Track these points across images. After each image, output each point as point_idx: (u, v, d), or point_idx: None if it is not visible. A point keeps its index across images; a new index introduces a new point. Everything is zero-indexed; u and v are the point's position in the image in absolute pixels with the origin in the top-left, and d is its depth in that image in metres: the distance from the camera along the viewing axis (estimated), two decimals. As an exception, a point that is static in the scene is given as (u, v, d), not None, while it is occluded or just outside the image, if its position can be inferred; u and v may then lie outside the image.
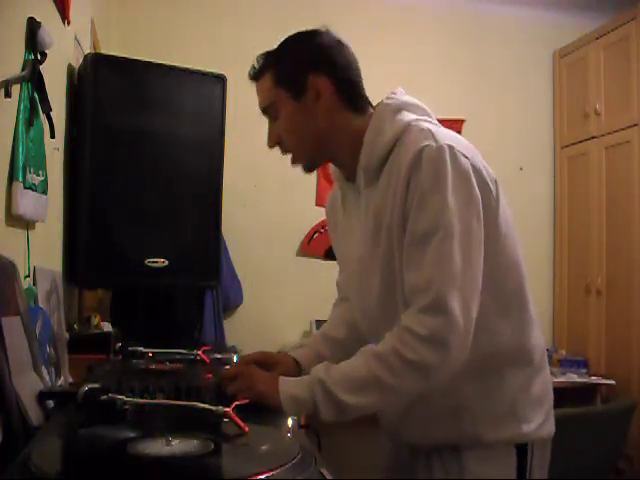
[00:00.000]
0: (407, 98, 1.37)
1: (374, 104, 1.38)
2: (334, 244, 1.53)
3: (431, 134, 1.24)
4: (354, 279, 1.42)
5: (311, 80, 1.31)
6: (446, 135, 1.27)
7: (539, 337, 1.36)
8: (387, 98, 1.36)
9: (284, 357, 1.48)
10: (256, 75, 1.38)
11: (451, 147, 1.22)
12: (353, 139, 1.33)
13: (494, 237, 1.27)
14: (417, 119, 1.31)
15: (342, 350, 1.37)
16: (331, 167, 1.47)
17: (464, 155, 1.23)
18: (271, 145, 1.39)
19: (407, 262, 1.23)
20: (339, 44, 1.36)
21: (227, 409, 1.01)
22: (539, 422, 1.31)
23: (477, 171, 1.25)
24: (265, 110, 1.38)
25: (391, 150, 1.29)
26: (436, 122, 1.36)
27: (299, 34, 1.37)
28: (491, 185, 1.27)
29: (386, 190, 1.27)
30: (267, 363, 1.40)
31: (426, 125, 1.28)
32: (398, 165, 1.25)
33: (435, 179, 1.20)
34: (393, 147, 1.29)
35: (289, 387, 1.23)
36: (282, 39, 1.39)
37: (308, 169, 1.41)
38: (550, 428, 1.36)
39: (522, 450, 1.30)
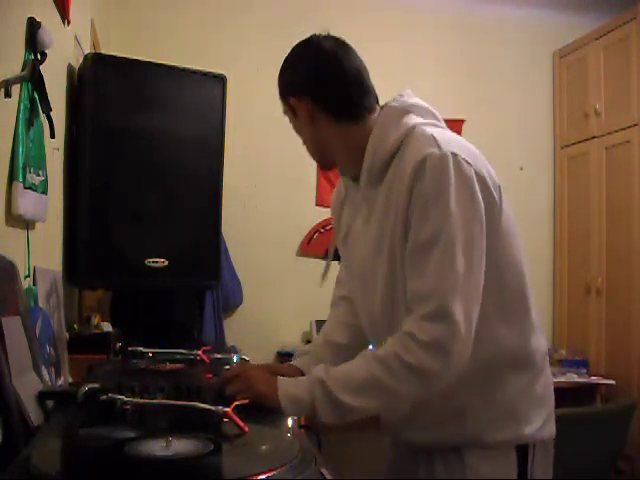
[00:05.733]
0: (414, 100, 1.36)
1: (381, 104, 1.38)
2: (337, 240, 1.53)
3: (434, 141, 1.24)
4: (358, 282, 1.42)
5: (292, 102, 1.36)
6: (450, 141, 1.26)
7: (540, 341, 1.36)
8: (394, 100, 1.36)
9: (289, 368, 1.47)
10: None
11: (455, 155, 1.22)
12: (350, 147, 1.35)
13: (496, 243, 1.27)
14: (422, 123, 1.31)
15: (345, 355, 1.36)
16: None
17: (467, 162, 1.23)
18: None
19: (410, 270, 1.23)
20: (331, 54, 1.34)
21: (227, 409, 1.01)
22: (540, 424, 1.31)
23: (481, 178, 1.25)
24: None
25: (395, 153, 1.29)
26: (442, 124, 1.36)
27: (293, 50, 1.39)
28: (494, 192, 1.27)
29: (389, 196, 1.28)
30: (272, 373, 1.36)
31: (429, 130, 1.28)
32: (401, 171, 1.25)
33: (438, 187, 1.20)
34: (397, 150, 1.29)
35: (288, 387, 1.23)
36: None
37: (323, 168, 1.50)
38: (551, 429, 1.35)
39: (523, 451, 1.30)
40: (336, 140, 1.36)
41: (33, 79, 1.53)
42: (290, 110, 1.38)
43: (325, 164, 1.45)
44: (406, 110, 1.33)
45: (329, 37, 1.36)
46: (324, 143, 1.37)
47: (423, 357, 1.17)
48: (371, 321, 1.39)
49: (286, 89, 1.38)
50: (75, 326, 2.17)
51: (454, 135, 1.32)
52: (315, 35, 1.37)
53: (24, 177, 1.47)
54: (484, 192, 1.24)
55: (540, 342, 1.36)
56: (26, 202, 1.48)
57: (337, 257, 1.53)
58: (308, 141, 1.40)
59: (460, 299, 1.17)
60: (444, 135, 1.29)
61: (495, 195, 1.27)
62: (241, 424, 0.98)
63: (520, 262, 1.33)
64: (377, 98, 1.38)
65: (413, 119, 1.31)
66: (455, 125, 3.87)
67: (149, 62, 2.32)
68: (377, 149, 1.31)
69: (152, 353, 1.71)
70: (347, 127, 1.34)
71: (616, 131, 3.83)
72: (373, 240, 1.31)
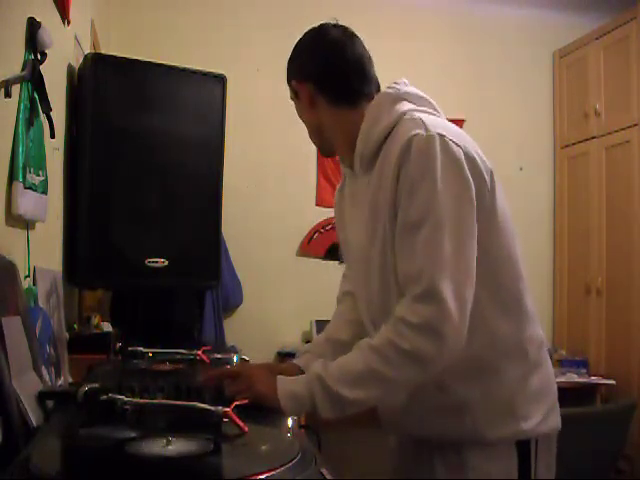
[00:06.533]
0: (409, 88, 1.37)
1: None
2: (339, 233, 1.53)
3: (422, 123, 1.24)
4: (356, 268, 1.42)
5: (295, 85, 1.40)
6: (439, 125, 1.26)
7: (536, 331, 1.35)
8: (388, 87, 1.37)
9: (289, 366, 1.47)
10: None
11: (441, 135, 1.22)
12: (347, 133, 1.36)
13: (489, 228, 1.26)
14: (414, 109, 1.31)
15: (348, 352, 1.37)
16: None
17: (456, 143, 1.23)
18: None
19: (399, 251, 1.23)
20: (336, 41, 1.37)
21: (227, 409, 1.01)
22: (539, 418, 1.30)
23: (470, 159, 1.24)
24: None
25: (385, 139, 1.30)
26: (439, 113, 1.36)
27: (302, 37, 1.43)
28: (486, 175, 1.26)
29: (379, 180, 1.28)
30: (272, 373, 1.35)
31: (419, 115, 1.28)
32: (390, 155, 1.26)
33: (424, 168, 1.20)
34: (387, 136, 1.29)
35: (287, 385, 1.23)
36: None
37: (323, 154, 1.52)
38: (553, 424, 1.34)
39: (524, 447, 1.29)
40: (334, 124, 1.38)
41: (33, 79, 1.53)
42: (294, 94, 1.41)
43: (325, 149, 1.46)
44: (400, 97, 1.34)
45: (338, 26, 1.40)
46: (323, 128, 1.40)
47: (417, 341, 1.17)
48: (370, 308, 1.38)
49: (291, 73, 1.41)
50: (75, 326, 2.17)
51: (445, 121, 1.32)
52: (325, 23, 1.41)
53: (24, 177, 1.47)
54: (474, 173, 1.24)
55: (535, 332, 1.34)
56: (26, 202, 1.48)
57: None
58: (308, 125, 1.43)
59: (449, 279, 1.16)
60: (434, 120, 1.28)
61: (486, 177, 1.26)
62: (241, 424, 0.98)
63: (514, 251, 1.32)
64: (379, 87, 1.39)
65: (405, 106, 1.32)
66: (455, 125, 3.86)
67: (149, 62, 2.32)
68: (368, 134, 1.32)
69: (152, 353, 1.71)
70: (344, 112, 1.36)
71: (616, 131, 3.83)
72: (366, 226, 1.31)
